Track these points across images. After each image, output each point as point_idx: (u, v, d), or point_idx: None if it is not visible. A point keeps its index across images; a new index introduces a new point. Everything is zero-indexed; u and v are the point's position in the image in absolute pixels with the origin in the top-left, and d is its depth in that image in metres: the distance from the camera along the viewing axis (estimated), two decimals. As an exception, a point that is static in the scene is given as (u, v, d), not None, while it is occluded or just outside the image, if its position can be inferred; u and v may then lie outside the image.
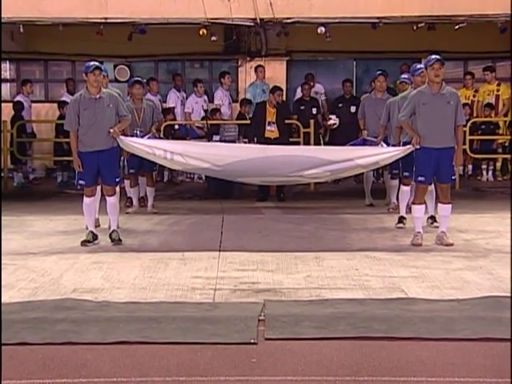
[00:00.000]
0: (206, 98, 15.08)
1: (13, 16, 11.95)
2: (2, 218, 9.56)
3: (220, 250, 8.35)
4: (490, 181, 14.89)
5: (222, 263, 7.73)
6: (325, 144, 14.32)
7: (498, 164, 15.23)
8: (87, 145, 8.63)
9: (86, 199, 8.78)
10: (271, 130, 12.20)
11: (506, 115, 14.88)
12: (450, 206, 8.60)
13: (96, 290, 6.68)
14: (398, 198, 10.20)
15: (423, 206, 8.79)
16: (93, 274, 7.30)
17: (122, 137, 8.82)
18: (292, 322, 5.63)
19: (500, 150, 14.95)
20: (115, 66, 15.71)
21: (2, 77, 16.54)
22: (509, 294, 6.32)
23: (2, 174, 14.05)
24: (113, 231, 8.84)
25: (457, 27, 13.20)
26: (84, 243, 8.62)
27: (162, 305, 6.17)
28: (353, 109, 14.08)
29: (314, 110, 14.51)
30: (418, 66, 9.71)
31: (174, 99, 15.09)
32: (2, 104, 14.49)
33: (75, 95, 9.13)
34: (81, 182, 8.75)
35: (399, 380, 4.59)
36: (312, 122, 13.82)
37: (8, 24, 12.47)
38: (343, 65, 16.77)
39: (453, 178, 8.72)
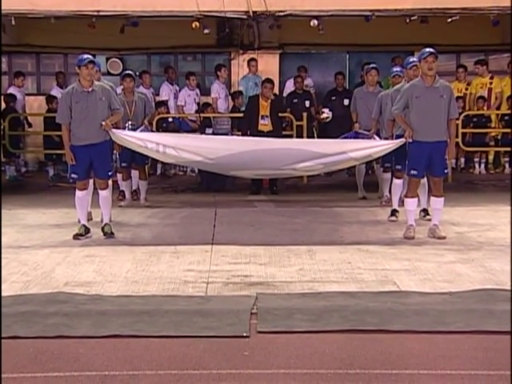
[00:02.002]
0: (198, 91, 15.05)
1: (4, 9, 11.88)
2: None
3: (213, 244, 8.33)
4: (482, 174, 14.89)
5: (215, 256, 7.72)
6: (318, 137, 14.30)
7: (491, 157, 15.23)
8: (79, 138, 8.58)
9: (78, 193, 8.75)
10: (264, 124, 12.17)
11: (498, 108, 14.89)
12: (442, 199, 8.59)
13: (88, 283, 6.67)
14: (390, 191, 10.21)
15: (416, 200, 8.78)
16: (85, 268, 7.28)
17: (113, 130, 8.77)
18: (284, 315, 5.64)
19: (492, 143, 14.97)
20: (107, 59, 15.65)
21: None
22: (501, 287, 6.35)
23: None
24: (105, 224, 8.82)
25: (449, 20, 13.18)
26: (76, 237, 8.60)
27: (155, 298, 6.17)
28: (346, 102, 14.05)
29: (307, 103, 14.48)
30: (411, 60, 9.69)
31: (166, 92, 15.05)
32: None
33: (67, 88, 9.07)
34: (73, 175, 8.71)
35: (391, 373, 4.60)
36: (305, 114, 13.79)
37: (-1, 17, 12.43)
38: (336, 58, 16.73)
39: (445, 171, 8.72)
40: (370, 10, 12.73)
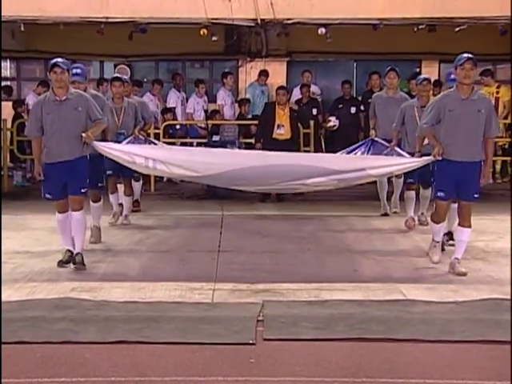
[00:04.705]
0: (205, 98, 15.08)
1: (13, 14, 11.95)
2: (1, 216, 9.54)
3: (219, 250, 8.34)
4: (489, 183, 14.82)
5: (221, 263, 7.71)
6: (325, 145, 14.29)
7: (498, 166, 15.20)
8: (52, 155, 7.50)
9: (57, 215, 7.72)
10: (280, 133, 12.04)
11: (506, 117, 14.87)
12: (469, 230, 7.45)
13: (95, 289, 6.68)
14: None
15: (442, 226, 7.82)
16: (91, 273, 7.29)
17: (95, 142, 7.70)
18: (291, 322, 5.64)
19: (499, 153, 14.93)
20: (115, 66, 15.69)
21: (2, 75, 16.51)
22: (507, 297, 6.33)
23: (2, 173, 14.03)
24: (77, 254, 7.56)
25: (457, 29, 13.19)
26: (61, 264, 7.60)
27: (161, 304, 6.17)
28: (353, 110, 14.08)
29: (315, 111, 14.48)
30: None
31: (174, 99, 15.07)
32: (3, 103, 14.49)
33: (40, 96, 8.01)
34: (47, 195, 7.67)
35: (397, 381, 4.59)
36: (312, 122, 13.79)
37: (9, 22, 12.47)
38: (343, 66, 16.74)
39: (475, 196, 7.39)
40: (378, 19, 12.75)
